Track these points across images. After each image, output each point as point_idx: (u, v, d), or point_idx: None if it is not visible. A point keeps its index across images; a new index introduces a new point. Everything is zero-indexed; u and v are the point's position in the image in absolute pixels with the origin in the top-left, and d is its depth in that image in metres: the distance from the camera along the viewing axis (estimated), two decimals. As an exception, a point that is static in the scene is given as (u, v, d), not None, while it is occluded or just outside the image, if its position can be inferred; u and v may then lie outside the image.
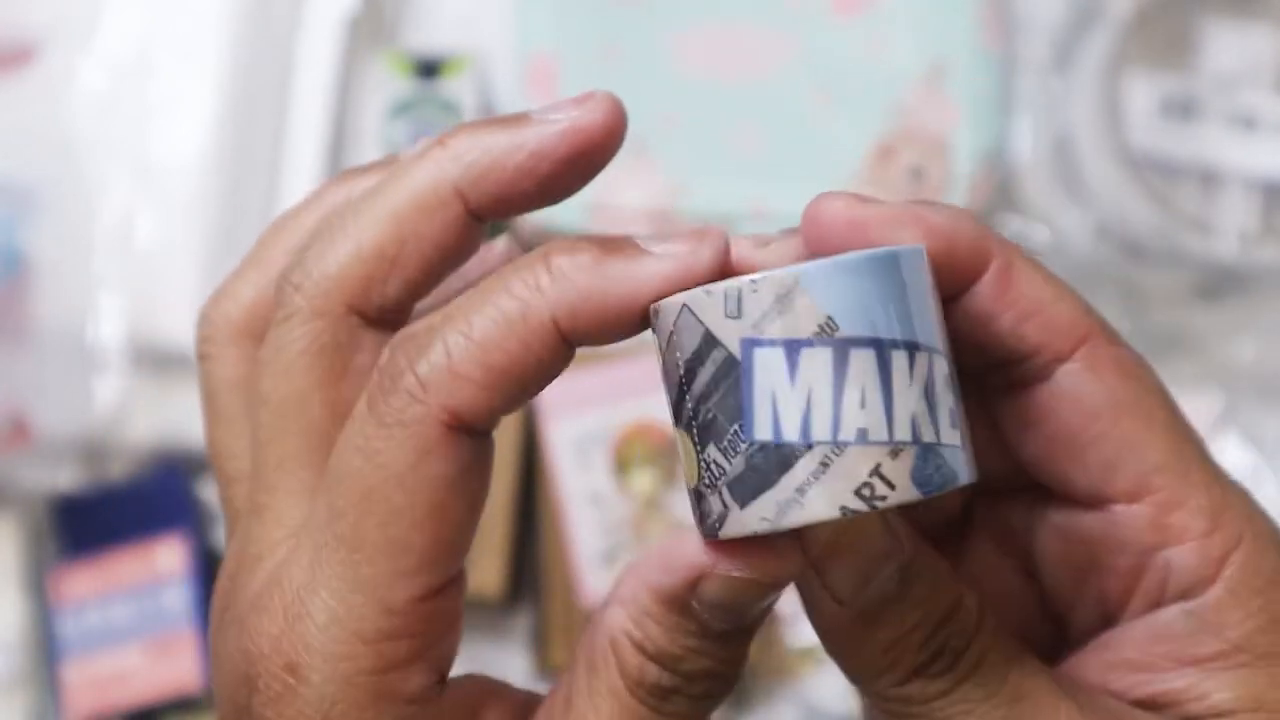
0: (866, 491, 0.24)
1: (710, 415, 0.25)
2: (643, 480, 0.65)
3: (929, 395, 0.25)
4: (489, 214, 0.28)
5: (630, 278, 0.26)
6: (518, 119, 0.28)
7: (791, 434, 0.24)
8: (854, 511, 0.24)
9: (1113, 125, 0.68)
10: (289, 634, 0.26)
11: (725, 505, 0.25)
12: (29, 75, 0.68)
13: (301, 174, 0.70)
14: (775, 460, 0.24)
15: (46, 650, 0.67)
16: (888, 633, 0.27)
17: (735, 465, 0.25)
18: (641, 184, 0.68)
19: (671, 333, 0.25)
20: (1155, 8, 0.68)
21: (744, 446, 0.25)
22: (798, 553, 0.26)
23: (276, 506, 0.28)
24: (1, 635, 0.68)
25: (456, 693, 0.28)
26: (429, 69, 0.68)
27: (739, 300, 0.25)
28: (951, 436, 0.25)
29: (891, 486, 0.24)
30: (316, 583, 0.26)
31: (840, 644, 0.28)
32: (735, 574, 0.26)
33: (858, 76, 0.68)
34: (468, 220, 0.28)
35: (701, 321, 0.25)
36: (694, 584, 0.26)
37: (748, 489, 0.25)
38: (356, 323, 0.28)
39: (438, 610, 0.27)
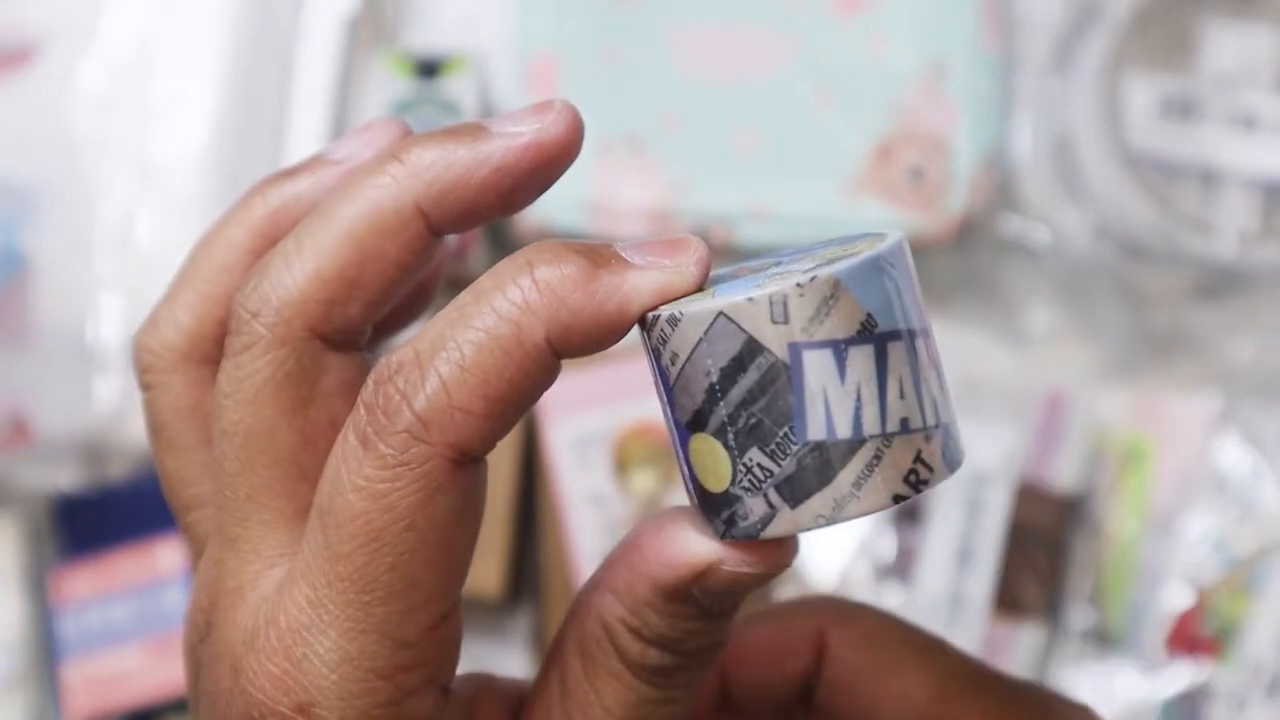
0: (913, 477, 0.25)
1: (754, 420, 0.25)
2: (643, 480, 0.65)
3: (940, 378, 0.26)
4: (450, 229, 0.28)
5: (619, 291, 0.26)
6: (475, 130, 0.27)
7: (845, 431, 0.25)
8: (903, 497, 0.25)
9: (1113, 125, 0.68)
10: (295, 674, 0.26)
11: (772, 506, 0.25)
12: (29, 75, 0.68)
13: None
14: (830, 458, 0.25)
15: (46, 650, 0.67)
16: None
17: (786, 466, 0.25)
18: (641, 184, 0.68)
19: (700, 341, 0.25)
20: (1155, 8, 0.68)
21: (795, 448, 0.25)
22: (797, 542, 0.27)
23: (251, 538, 0.28)
24: (1, 635, 0.68)
25: (454, 697, 0.28)
26: (429, 69, 0.68)
27: (784, 306, 0.25)
28: (954, 415, 0.27)
29: (931, 470, 0.26)
30: (323, 623, 0.26)
31: None
32: (746, 570, 0.26)
33: (858, 76, 0.68)
34: (428, 237, 0.27)
35: (743, 329, 0.25)
36: (701, 579, 0.26)
37: (800, 488, 0.25)
38: (319, 346, 0.27)
39: (446, 635, 0.27)
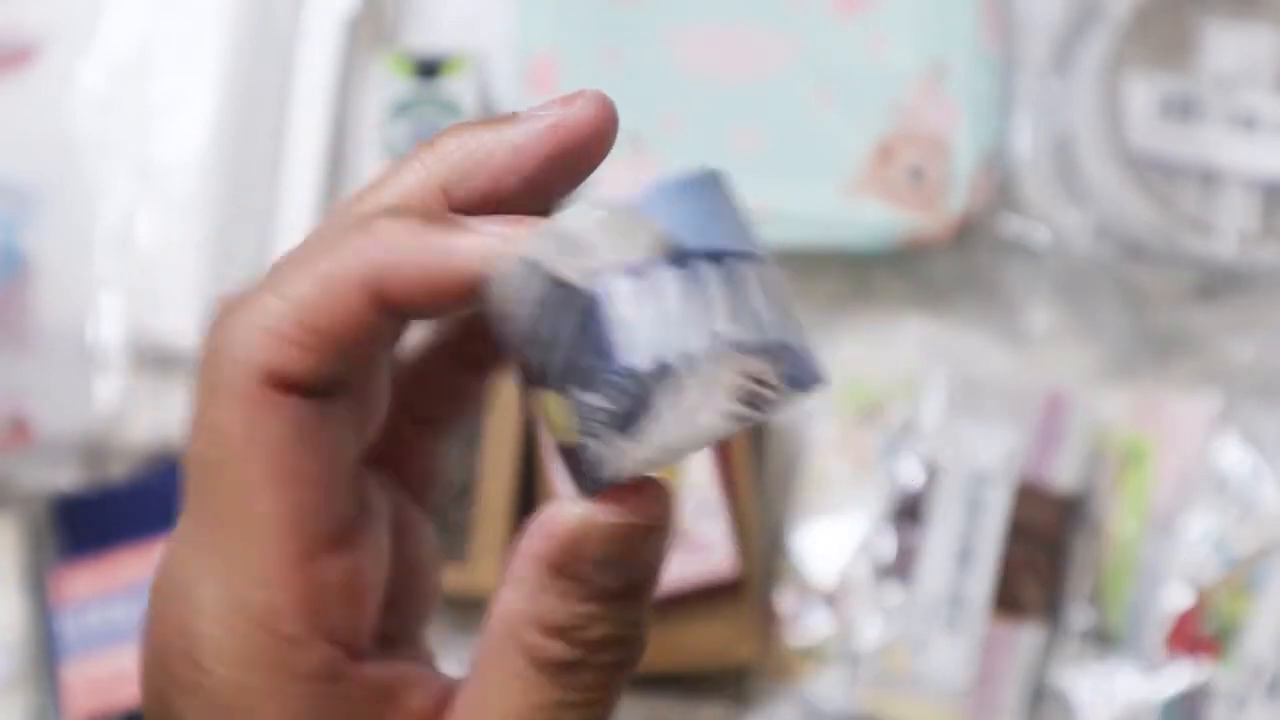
0: (751, 398, 0.25)
1: (576, 361, 0.24)
2: (643, 480, 0.65)
3: (774, 298, 0.25)
4: (476, 212, 0.27)
5: (448, 249, 0.26)
6: (506, 118, 0.28)
7: (665, 356, 0.24)
8: (746, 419, 0.25)
9: (1113, 125, 0.68)
10: (185, 627, 0.26)
11: (614, 446, 0.24)
12: (29, 75, 0.68)
13: (301, 174, 0.70)
14: (657, 386, 0.24)
15: (46, 650, 0.67)
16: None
17: (616, 402, 0.24)
18: (641, 183, 0.68)
19: (516, 294, 0.25)
20: (1155, 8, 0.68)
21: (619, 380, 0.24)
22: (665, 488, 0.26)
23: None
24: (1, 635, 0.68)
25: (373, 673, 0.28)
26: (429, 69, 0.68)
27: (582, 237, 0.24)
28: (802, 337, 0.26)
29: (772, 388, 0.25)
30: (200, 571, 0.26)
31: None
32: (615, 520, 0.26)
33: (858, 76, 0.68)
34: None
35: (544, 268, 0.24)
36: (579, 544, 0.26)
37: (635, 421, 0.24)
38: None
39: (321, 579, 0.27)
